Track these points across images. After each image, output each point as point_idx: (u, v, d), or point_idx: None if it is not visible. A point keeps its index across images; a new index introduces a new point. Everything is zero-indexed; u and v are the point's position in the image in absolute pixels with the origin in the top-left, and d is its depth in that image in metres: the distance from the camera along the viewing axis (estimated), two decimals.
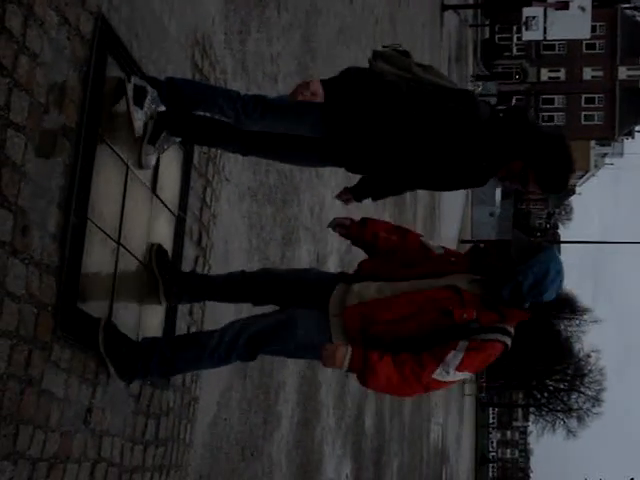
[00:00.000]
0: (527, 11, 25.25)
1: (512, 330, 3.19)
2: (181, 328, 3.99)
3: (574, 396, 60.03)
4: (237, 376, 4.86)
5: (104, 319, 3.15)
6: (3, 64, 2.43)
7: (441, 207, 20.11)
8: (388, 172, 3.54)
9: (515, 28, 52.77)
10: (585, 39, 44.27)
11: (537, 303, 3.17)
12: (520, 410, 77.92)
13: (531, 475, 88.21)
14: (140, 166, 3.44)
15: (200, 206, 4.29)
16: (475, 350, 3.09)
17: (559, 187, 3.35)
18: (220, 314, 4.24)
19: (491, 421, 78.50)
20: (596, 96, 59.96)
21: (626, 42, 57.99)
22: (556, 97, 61.37)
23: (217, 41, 4.51)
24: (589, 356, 59.54)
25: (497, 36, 58.20)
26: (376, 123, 3.34)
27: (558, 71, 61.01)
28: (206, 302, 4.27)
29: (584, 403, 59.19)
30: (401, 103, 3.30)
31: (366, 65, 3.45)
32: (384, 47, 3.54)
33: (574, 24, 24.62)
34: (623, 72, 58.84)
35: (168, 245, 3.81)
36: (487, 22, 50.45)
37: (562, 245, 41.06)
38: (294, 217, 6.25)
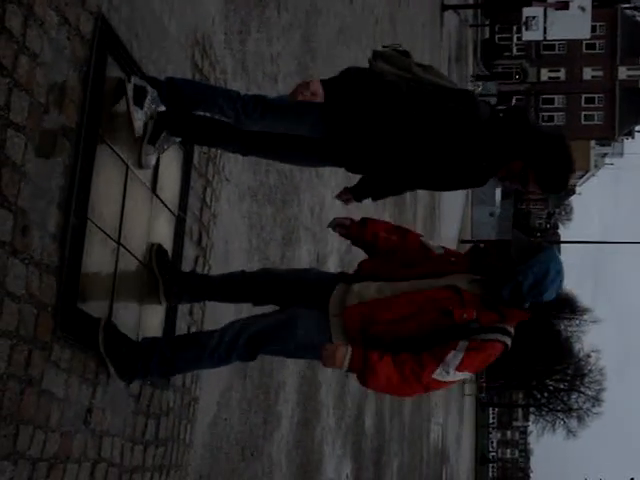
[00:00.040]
0: (527, 11, 25.24)
1: (512, 330, 3.19)
2: (181, 328, 3.99)
3: (574, 396, 60.09)
4: (237, 376, 4.86)
5: (104, 319, 3.15)
6: (3, 64, 2.43)
7: (441, 207, 20.11)
8: (388, 172, 3.54)
9: (515, 28, 52.78)
10: (585, 39, 44.26)
11: (537, 303, 3.17)
12: (520, 410, 77.94)
13: (531, 475, 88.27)
14: (140, 166, 3.44)
15: (200, 206, 4.29)
16: (475, 350, 3.09)
17: (559, 187, 3.35)
18: (220, 314, 4.24)
19: (491, 421, 78.50)
20: (596, 96, 59.97)
21: (626, 42, 58.00)
22: (556, 97, 61.38)
23: (217, 41, 4.51)
24: (589, 356, 59.64)
25: (497, 36, 58.21)
26: (376, 123, 3.34)
27: (558, 71, 61.01)
28: (206, 302, 4.27)
29: (584, 403, 59.27)
30: (401, 103, 3.30)
31: (366, 65, 3.45)
32: (384, 47, 3.54)
33: (574, 24, 24.62)
34: (623, 72, 58.85)
35: (168, 245, 3.80)
36: (487, 22, 50.45)
37: (562, 245, 41.05)
38: (294, 217, 6.25)
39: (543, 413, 62.49)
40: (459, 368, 3.07)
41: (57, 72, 2.74)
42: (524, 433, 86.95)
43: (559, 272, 3.11)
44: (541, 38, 26.86)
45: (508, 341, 3.16)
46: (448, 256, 3.37)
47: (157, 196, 3.68)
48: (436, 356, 3.06)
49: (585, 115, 60.88)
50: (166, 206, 3.80)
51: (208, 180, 4.39)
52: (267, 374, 5.46)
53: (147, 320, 3.58)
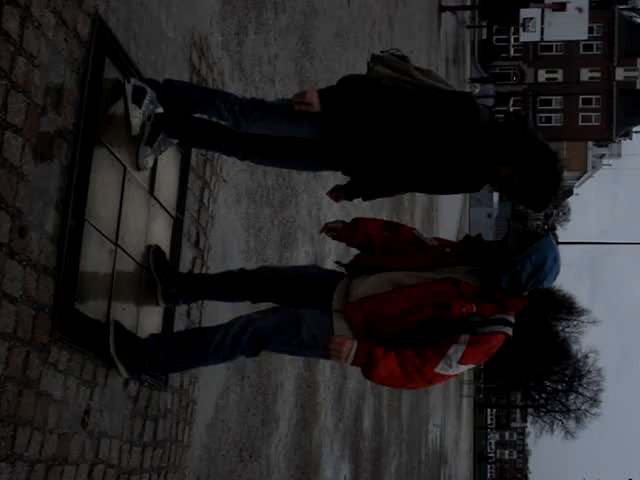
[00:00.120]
0: (524, 12, 25.24)
1: (513, 319, 3.20)
2: (179, 329, 3.99)
3: (572, 397, 60.06)
4: (235, 377, 4.86)
5: (113, 321, 3.18)
6: (0, 66, 2.43)
7: (439, 209, 20.12)
8: (384, 174, 3.54)
9: (512, 29, 52.85)
10: (582, 40, 44.37)
11: (537, 290, 3.20)
12: (518, 411, 77.96)
13: (529, 476, 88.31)
14: (137, 168, 3.44)
15: (198, 207, 4.29)
16: (477, 343, 3.10)
17: (538, 204, 3.31)
18: (218, 315, 4.23)
19: (489, 422, 78.53)
20: (593, 97, 60.01)
21: (623, 43, 58.06)
22: (553, 98, 61.40)
23: (214, 43, 4.51)
24: (587, 357, 59.64)
25: (494, 37, 58.31)
26: (375, 127, 3.34)
27: (555, 72, 61.05)
28: (205, 303, 4.27)
29: (582, 404, 59.25)
30: (401, 108, 3.30)
31: (365, 68, 3.45)
32: (382, 52, 3.55)
33: (571, 25, 24.63)
34: (620, 73, 58.88)
35: (166, 246, 3.80)
36: (484, 23, 50.56)
37: (560, 246, 41.05)
38: (292, 218, 6.25)
39: (541, 414, 62.48)
40: (462, 361, 3.09)
41: (54, 74, 2.74)
42: (522, 434, 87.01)
43: (556, 259, 3.14)
44: (538, 39, 26.89)
45: (509, 331, 3.18)
46: (442, 247, 3.39)
47: (155, 197, 3.68)
48: (438, 351, 3.08)
49: (582, 116, 60.90)
50: (164, 207, 3.79)
51: (206, 181, 4.39)
52: (265, 375, 5.46)
53: (145, 322, 3.58)
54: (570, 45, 56.12)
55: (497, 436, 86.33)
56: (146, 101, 3.33)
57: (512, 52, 60.14)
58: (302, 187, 6.54)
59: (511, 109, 46.32)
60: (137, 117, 3.31)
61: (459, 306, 3.10)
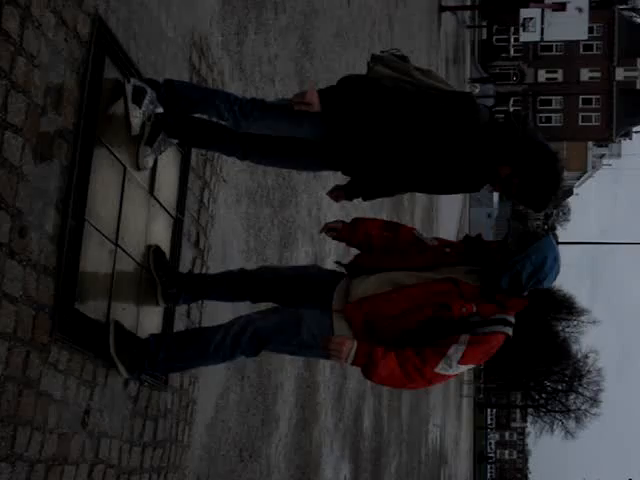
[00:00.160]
0: (524, 12, 25.24)
1: (513, 319, 3.20)
2: (179, 329, 3.99)
3: (572, 397, 60.06)
4: (235, 378, 4.86)
5: (113, 321, 3.18)
6: (0, 66, 2.43)
7: (439, 209, 20.12)
8: (384, 174, 3.54)
9: (512, 29, 52.84)
10: (582, 40, 44.36)
11: (537, 290, 3.20)
12: (518, 411, 77.95)
13: (529, 476, 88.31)
14: (137, 168, 3.44)
15: (198, 208, 4.29)
16: (477, 343, 3.10)
17: (538, 204, 3.32)
18: (218, 315, 4.23)
19: (489, 422, 78.53)
20: (593, 97, 60.01)
21: (623, 43, 58.06)
22: (553, 98, 61.41)
23: (214, 42, 4.51)
24: (587, 357, 59.65)
25: (494, 37, 58.30)
26: (375, 128, 3.34)
27: (555, 72, 61.05)
28: (205, 303, 4.27)
29: (582, 404, 59.25)
30: (401, 108, 3.30)
31: (365, 68, 3.46)
32: (382, 52, 3.55)
33: (571, 25, 24.63)
34: (620, 73, 58.89)
35: (166, 246, 3.81)
36: (484, 23, 50.55)
37: (560, 246, 41.06)
38: (292, 218, 6.25)
39: (541, 414, 62.48)
40: (462, 361, 3.09)
41: (54, 74, 2.74)
42: (522, 434, 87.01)
43: (556, 258, 3.15)
44: (538, 39, 26.89)
45: (509, 331, 3.18)
46: (442, 247, 3.39)
47: (155, 197, 3.68)
48: (438, 351, 3.08)
49: (582, 116, 60.91)
50: (164, 207, 3.79)
51: (206, 181, 4.39)
52: (265, 375, 5.46)
53: (145, 322, 3.58)
54: (570, 45, 56.13)
55: (497, 436, 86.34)
56: (146, 101, 3.33)
57: (512, 52, 60.15)
58: (302, 187, 6.54)
59: (511, 109, 46.31)
60: (137, 117, 3.31)
61: (459, 306, 3.10)
